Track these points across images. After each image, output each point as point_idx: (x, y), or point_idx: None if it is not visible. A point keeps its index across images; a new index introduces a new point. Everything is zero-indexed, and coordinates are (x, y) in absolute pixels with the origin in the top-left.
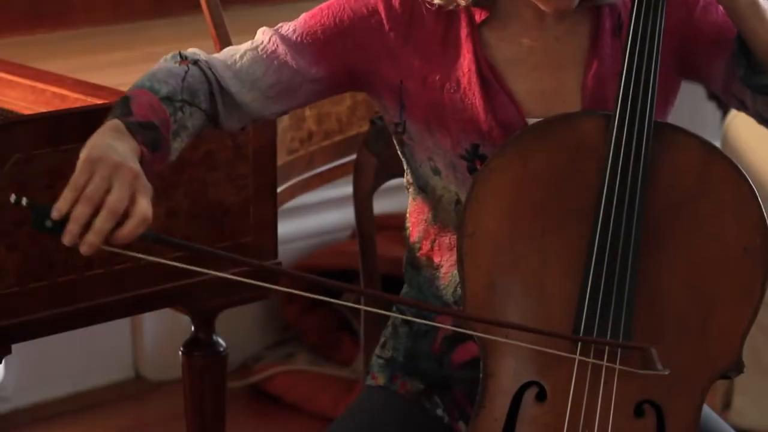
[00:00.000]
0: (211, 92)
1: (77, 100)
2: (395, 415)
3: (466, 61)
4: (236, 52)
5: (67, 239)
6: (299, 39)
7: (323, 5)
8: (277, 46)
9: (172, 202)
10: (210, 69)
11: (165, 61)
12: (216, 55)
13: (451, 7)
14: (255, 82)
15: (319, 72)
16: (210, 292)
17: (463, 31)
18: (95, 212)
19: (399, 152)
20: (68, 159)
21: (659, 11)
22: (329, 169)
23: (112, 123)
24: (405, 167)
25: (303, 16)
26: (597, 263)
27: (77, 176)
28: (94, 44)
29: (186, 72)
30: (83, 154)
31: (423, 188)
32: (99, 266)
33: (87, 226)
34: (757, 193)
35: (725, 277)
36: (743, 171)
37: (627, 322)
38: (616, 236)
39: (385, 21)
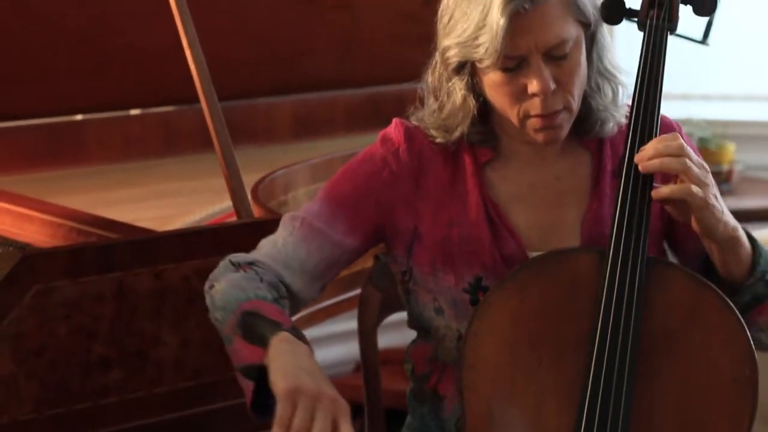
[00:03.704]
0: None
1: (93, 234)
2: None
3: (473, 198)
4: (274, 243)
5: None
6: (328, 215)
7: (337, 176)
8: (311, 226)
9: (185, 332)
10: (263, 266)
11: (226, 272)
12: (259, 252)
13: (452, 146)
14: (302, 264)
15: (354, 241)
16: (224, 422)
17: (469, 170)
18: None
19: (404, 300)
20: (86, 290)
21: None
22: (334, 304)
23: (283, 336)
24: (408, 313)
25: (322, 193)
26: (592, 396)
27: (283, 412)
28: (108, 181)
29: (257, 275)
30: (281, 385)
31: (426, 331)
32: (114, 394)
33: None
34: (746, 325)
35: (715, 406)
36: (731, 304)
37: None
38: (610, 368)
39: (395, 172)
